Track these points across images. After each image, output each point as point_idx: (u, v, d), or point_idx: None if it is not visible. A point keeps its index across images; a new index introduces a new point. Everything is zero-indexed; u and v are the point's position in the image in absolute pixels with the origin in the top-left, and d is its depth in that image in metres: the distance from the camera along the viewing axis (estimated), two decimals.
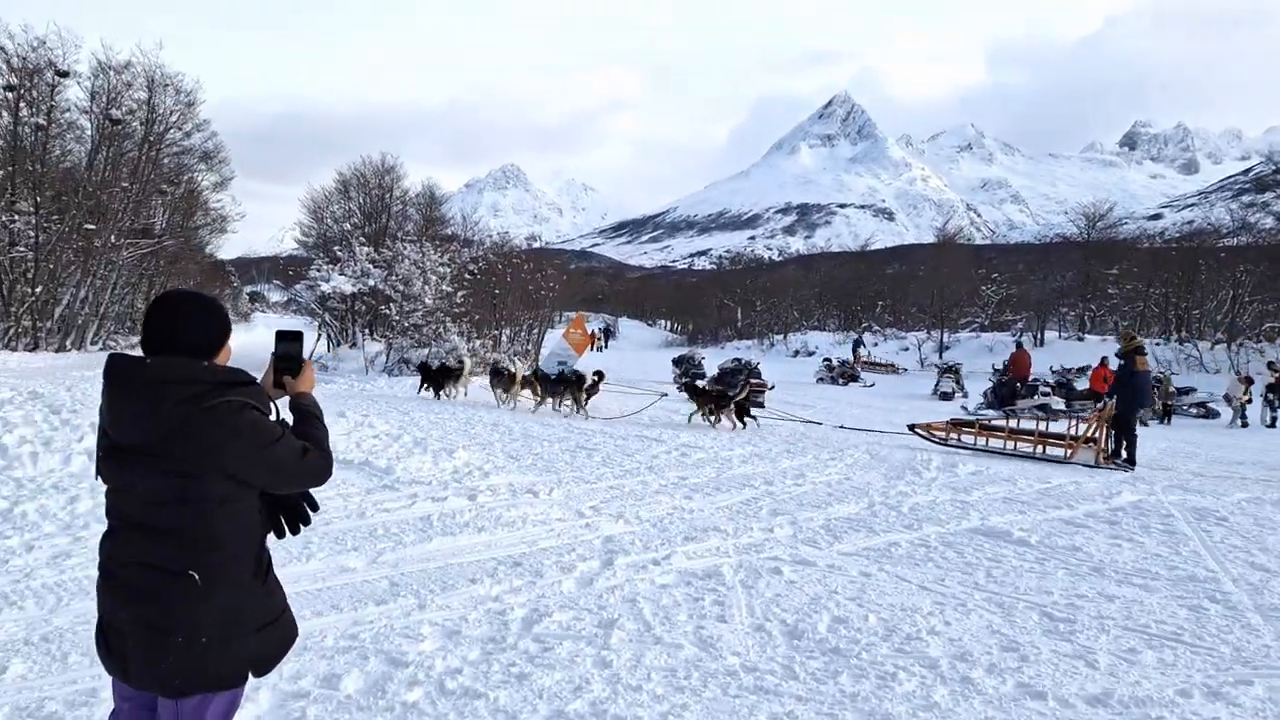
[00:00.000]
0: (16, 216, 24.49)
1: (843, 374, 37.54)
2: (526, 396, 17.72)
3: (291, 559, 5.94)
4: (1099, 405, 14.29)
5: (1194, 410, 25.08)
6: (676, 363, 34.52)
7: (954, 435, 14.57)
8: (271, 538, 2.60)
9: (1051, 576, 6.48)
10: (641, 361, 43.17)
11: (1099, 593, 6.11)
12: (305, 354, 2.75)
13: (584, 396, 17.08)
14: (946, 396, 29.48)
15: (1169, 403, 23.46)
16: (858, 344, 45.24)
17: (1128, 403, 13.39)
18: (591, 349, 59.55)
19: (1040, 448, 13.69)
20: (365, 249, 26.17)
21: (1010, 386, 23.98)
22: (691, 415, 16.27)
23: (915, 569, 6.56)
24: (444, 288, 25.45)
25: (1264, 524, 8.57)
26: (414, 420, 13.36)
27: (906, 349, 50.45)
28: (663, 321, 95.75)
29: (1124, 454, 13.17)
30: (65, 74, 26.38)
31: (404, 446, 10.42)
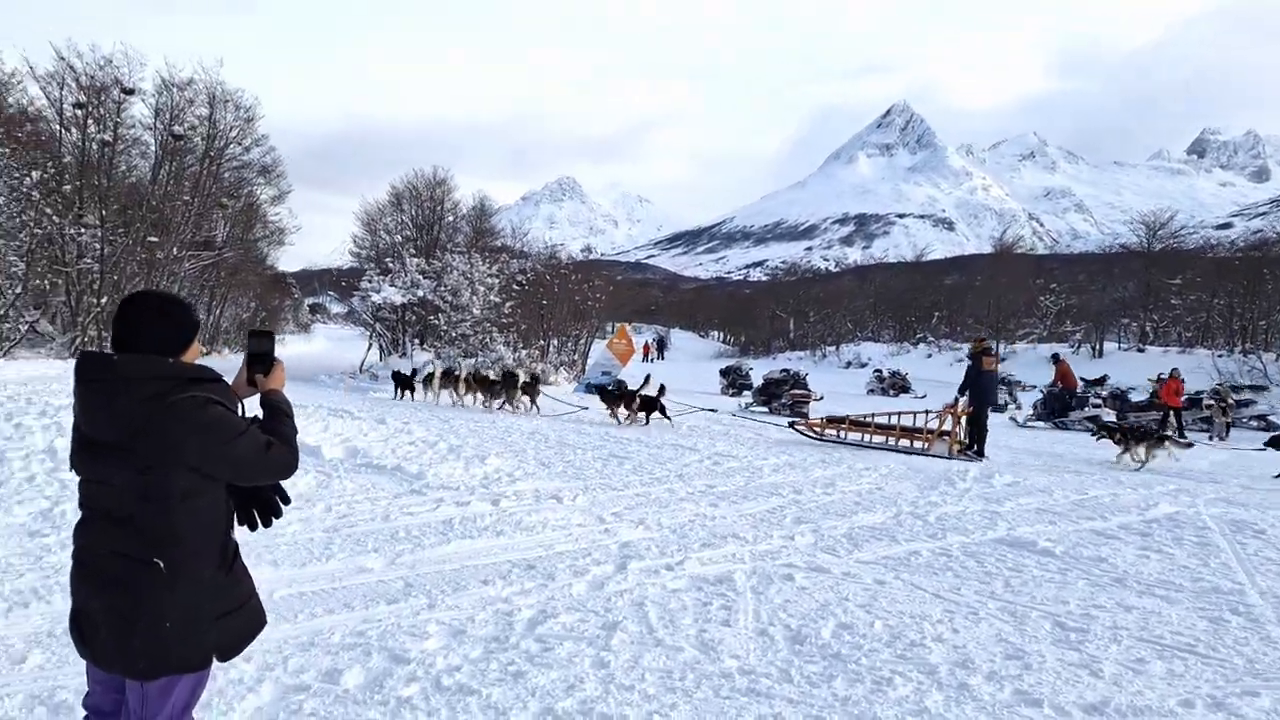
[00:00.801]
0: (84, 230, 25.39)
1: (893, 385, 37.23)
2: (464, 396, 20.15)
3: (312, 559, 6.12)
4: (951, 403, 15.10)
5: (1255, 423, 24.37)
6: (724, 373, 34.64)
7: (830, 430, 15.81)
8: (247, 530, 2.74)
9: (1071, 587, 6.39)
10: (693, 372, 43.17)
11: (1117, 603, 6.02)
12: (276, 353, 2.87)
13: (517, 394, 19.13)
14: (999, 409, 29.04)
15: (1227, 416, 22.81)
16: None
17: (977, 400, 14.59)
18: (645, 359, 60.04)
19: (901, 441, 15.03)
20: (415, 260, 26.64)
21: (1061, 398, 23.50)
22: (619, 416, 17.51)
23: (932, 578, 6.52)
24: (492, 298, 25.81)
25: None
26: (453, 428, 13.59)
27: (962, 360, 49.76)
28: (715, 333, 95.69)
29: (975, 446, 14.47)
30: (131, 91, 27.33)
31: (438, 453, 10.62)
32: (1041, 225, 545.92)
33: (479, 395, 19.74)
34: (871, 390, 37.83)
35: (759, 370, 33.88)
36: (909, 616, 5.56)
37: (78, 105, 26.67)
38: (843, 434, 15.64)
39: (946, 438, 14.38)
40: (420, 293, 25.41)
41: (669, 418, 17.36)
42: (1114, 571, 6.84)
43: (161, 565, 2.40)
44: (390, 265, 26.83)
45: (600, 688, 4.26)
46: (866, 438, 15.37)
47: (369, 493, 8.37)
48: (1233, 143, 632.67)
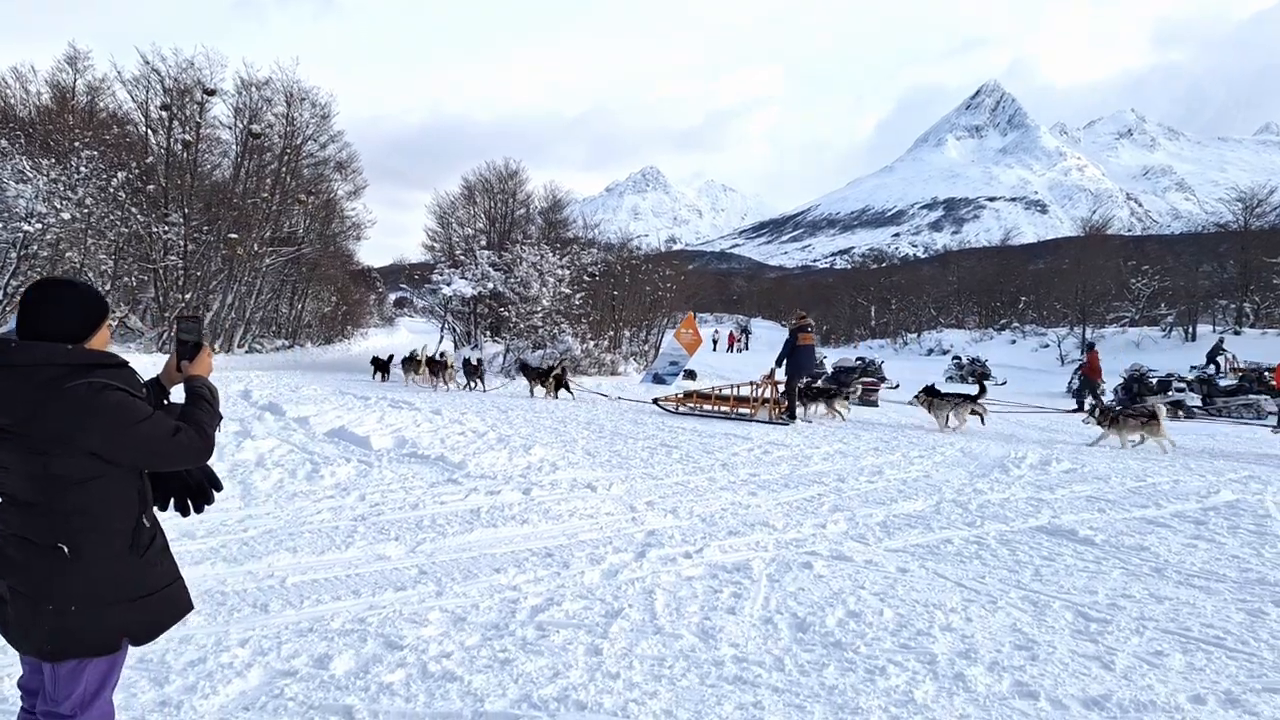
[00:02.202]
0: (169, 228, 26.47)
1: (973, 372, 36.32)
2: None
3: (332, 546, 6.28)
4: (768, 374, 17.04)
5: None
6: None
7: (684, 405, 17.47)
8: (160, 514, 2.80)
9: (1104, 576, 6.16)
10: (767, 360, 42.85)
11: (1150, 594, 5.77)
12: (203, 338, 2.94)
13: (447, 373, 22.10)
14: (1080, 394, 28.16)
15: None
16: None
17: (791, 370, 16.31)
18: (731, 349, 59.74)
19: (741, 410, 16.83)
20: (486, 253, 27.02)
21: (1089, 385, 23.54)
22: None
23: (958, 566, 6.35)
24: (562, 290, 26.01)
25: None
26: (509, 419, 13.76)
27: (1047, 346, 48.28)
28: None
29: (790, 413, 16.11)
30: (212, 92, 28.40)
31: (486, 443, 10.77)
32: (1140, 205, 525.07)
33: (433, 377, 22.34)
34: (950, 378, 36.97)
35: (838, 359, 33.44)
36: (922, 605, 5.43)
37: (163, 107, 27.80)
38: (696, 407, 17.34)
39: (768, 405, 16.52)
40: (491, 285, 25.78)
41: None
42: (1154, 561, 6.56)
43: (65, 549, 2.44)
44: (461, 258, 27.30)
45: (585, 675, 4.27)
46: (713, 408, 17.22)
47: (406, 482, 8.54)
48: None
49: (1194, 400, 22.51)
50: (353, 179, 35.20)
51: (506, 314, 25.75)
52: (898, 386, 27.47)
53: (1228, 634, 5.03)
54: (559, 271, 25.80)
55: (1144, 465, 11.48)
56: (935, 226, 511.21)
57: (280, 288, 34.79)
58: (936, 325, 66.05)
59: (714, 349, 59.05)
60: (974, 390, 17.00)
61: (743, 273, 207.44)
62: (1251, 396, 23.59)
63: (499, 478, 8.91)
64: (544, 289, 24.97)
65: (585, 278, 27.07)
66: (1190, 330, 44.33)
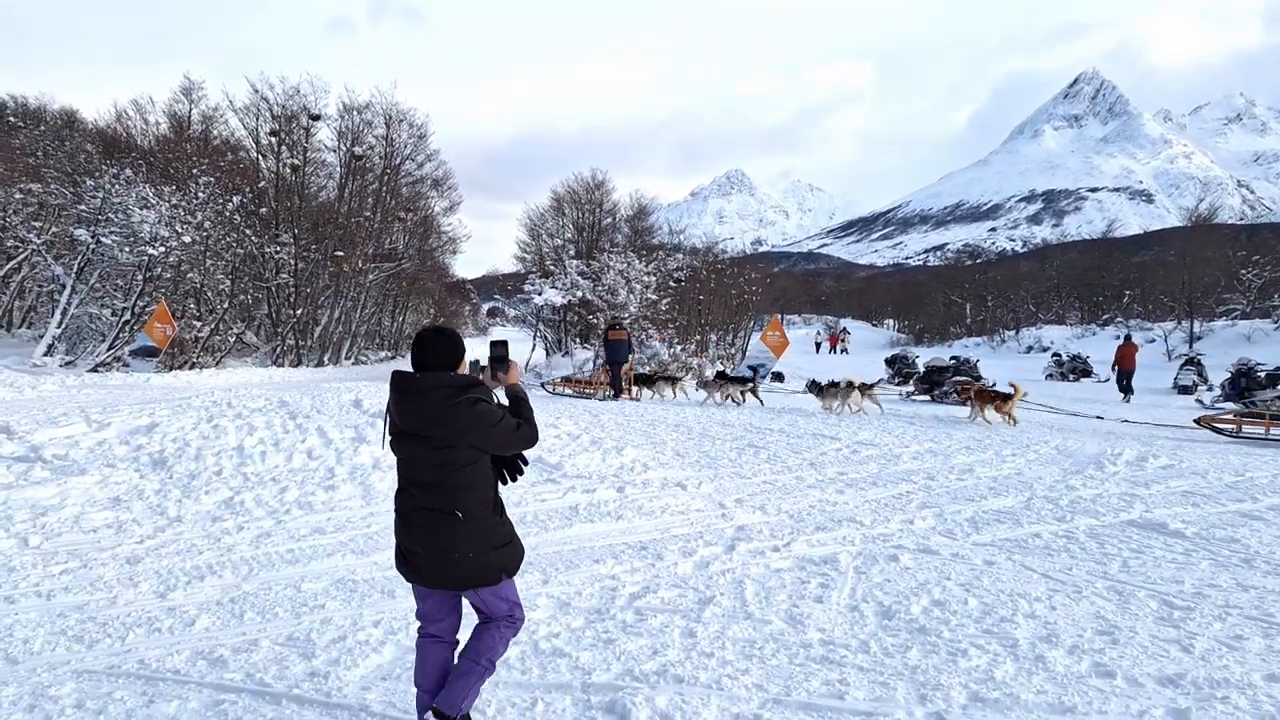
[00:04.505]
0: (280, 248, 27.85)
1: (1073, 369, 35.47)
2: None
3: None
4: (601, 363, 22.37)
5: None
6: (889, 362, 34.00)
7: (558, 387, 22.90)
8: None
9: (1192, 567, 6.23)
10: (864, 363, 42.51)
11: (1237, 583, 5.84)
12: (512, 357, 3.92)
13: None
14: (1186, 390, 27.33)
15: None
16: None
17: (611, 361, 21.01)
18: (833, 351, 59.45)
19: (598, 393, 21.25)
20: (575, 262, 27.66)
21: (1124, 377, 24.62)
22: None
23: (1046, 559, 6.49)
24: (649, 296, 26.46)
25: None
26: (600, 423, 14.20)
27: (1153, 340, 46.67)
28: (889, 321, 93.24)
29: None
30: (317, 117, 29.76)
31: (580, 445, 11.21)
32: (1252, 192, 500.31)
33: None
34: (1050, 375, 36.14)
35: (931, 358, 33.09)
36: (1007, 595, 5.61)
37: (272, 133, 29.26)
38: (563, 389, 22.37)
39: (608, 386, 21.05)
40: (580, 293, 26.39)
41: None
42: (1244, 552, 6.59)
43: (460, 515, 3.48)
44: (551, 268, 28.00)
45: (681, 654, 4.62)
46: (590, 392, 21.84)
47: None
48: None
49: None
50: (448, 195, 36.41)
51: (595, 321, 26.31)
52: (995, 384, 27.04)
53: None
54: (645, 278, 26.26)
55: (1244, 461, 11.27)
56: (1034, 220, 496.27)
57: (382, 301, 36.14)
58: (1036, 322, 64.41)
59: (817, 352, 58.83)
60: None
61: (831, 273, 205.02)
62: None
63: (594, 477, 9.33)
64: (631, 296, 25.46)
65: (671, 283, 27.46)
66: None
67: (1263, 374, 22.83)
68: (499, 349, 3.84)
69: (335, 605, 5.38)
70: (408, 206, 34.12)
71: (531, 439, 3.63)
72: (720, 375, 20.26)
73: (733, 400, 19.29)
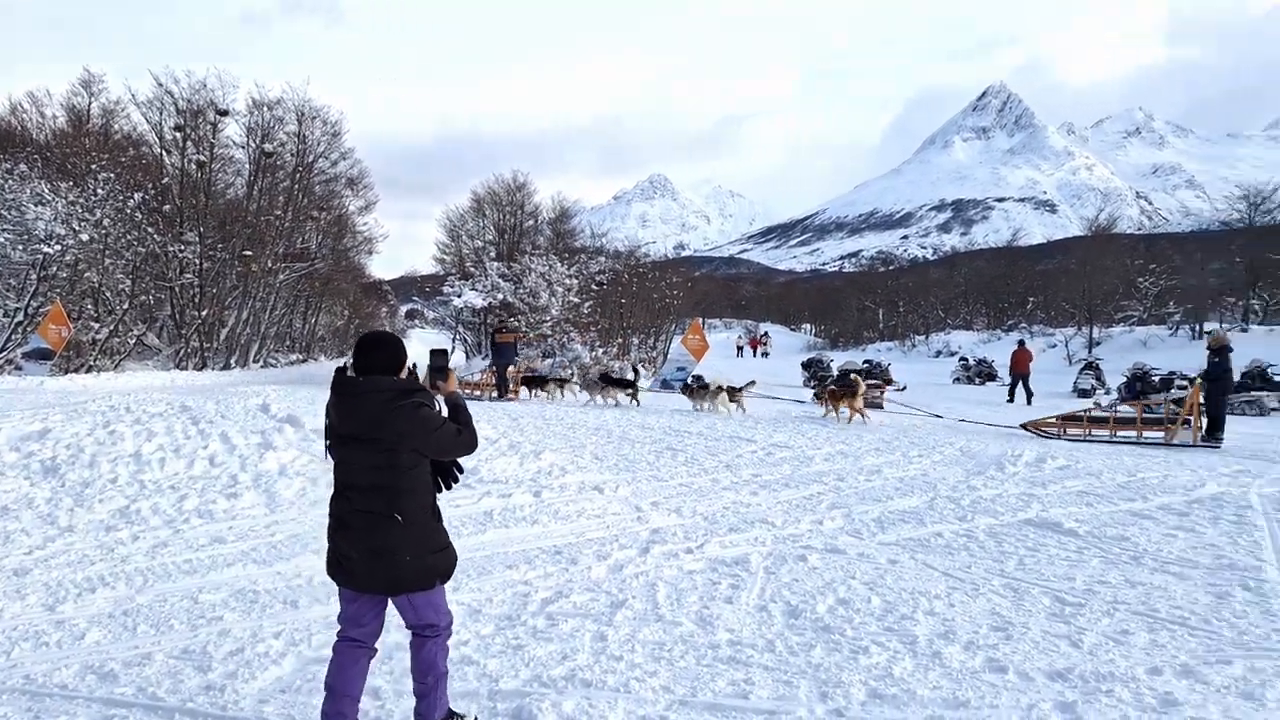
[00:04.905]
0: (184, 246, 26.98)
1: (979, 373, 36.62)
2: None
3: None
4: (489, 365, 23.15)
5: None
6: (805, 366, 34.68)
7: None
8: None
9: (1084, 565, 6.49)
10: (782, 366, 43.17)
11: (1125, 579, 6.11)
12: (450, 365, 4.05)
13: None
14: (1085, 393, 28.44)
15: None
16: None
17: (495, 362, 22.06)
18: (755, 354, 60.23)
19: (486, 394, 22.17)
20: (495, 264, 27.48)
21: (1018, 380, 25.63)
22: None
23: (947, 557, 6.69)
24: (571, 299, 26.43)
25: None
26: (520, 426, 14.13)
27: (1055, 346, 48.44)
28: (807, 326, 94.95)
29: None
30: (225, 112, 28.94)
31: (498, 449, 11.14)
32: (1150, 204, 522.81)
33: None
34: (957, 379, 37.26)
35: (844, 361, 33.78)
36: (909, 593, 5.78)
37: (177, 128, 28.36)
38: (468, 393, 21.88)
39: (494, 387, 21.74)
40: (500, 295, 26.22)
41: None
42: (1133, 550, 6.90)
43: (400, 518, 3.51)
44: (471, 270, 27.75)
45: (591, 658, 4.64)
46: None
47: None
48: None
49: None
50: (364, 194, 35.72)
51: (516, 324, 26.18)
52: (904, 388, 27.75)
53: (1192, 614, 5.37)
54: (567, 281, 26.23)
55: (1137, 462, 11.77)
56: (944, 228, 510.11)
57: (294, 303, 35.30)
58: (945, 327, 66.30)
59: (739, 355, 59.58)
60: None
61: (751, 278, 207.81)
62: (1255, 394, 23.81)
63: (510, 482, 9.29)
64: (553, 298, 25.41)
65: (593, 286, 27.48)
66: (1197, 328, 44.45)
67: (1156, 378, 23.92)
68: (439, 359, 4.13)
69: (234, 617, 5.25)
70: (321, 205, 33.40)
71: (472, 444, 3.71)
72: (603, 377, 20.80)
73: (614, 401, 19.77)
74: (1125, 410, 16.57)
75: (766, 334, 69.96)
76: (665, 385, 23.05)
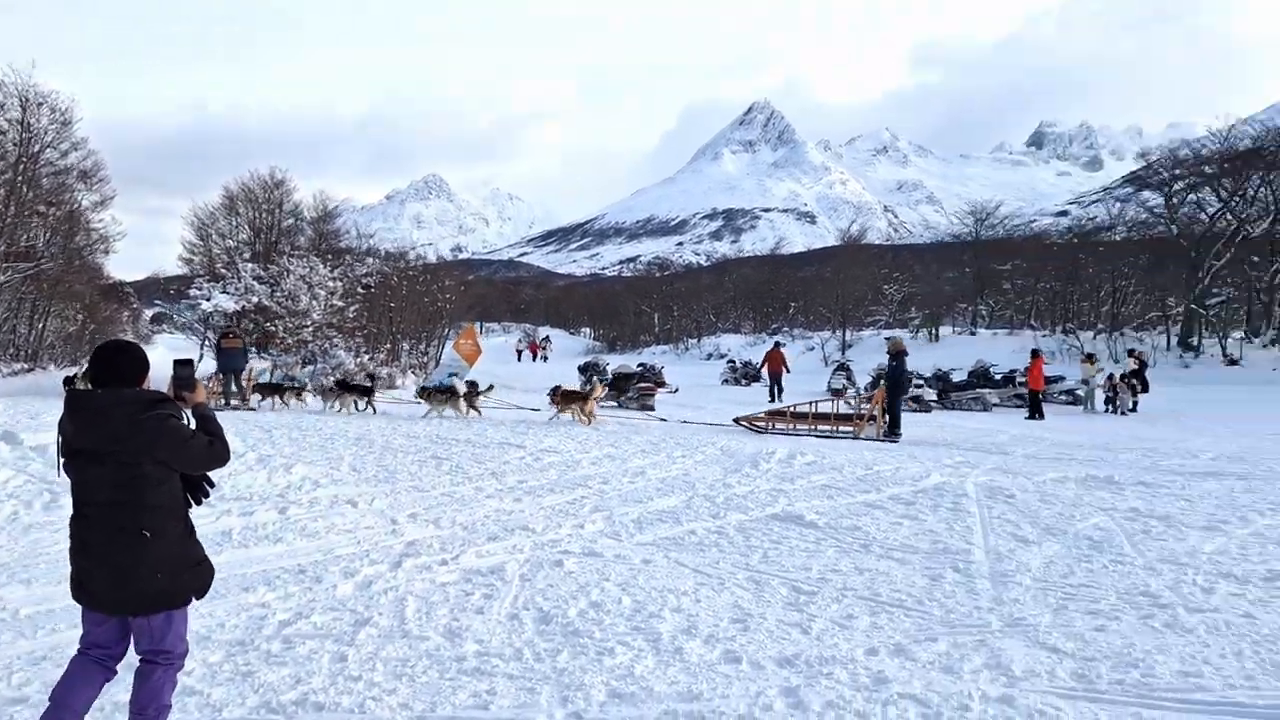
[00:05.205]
0: None
1: (745, 374, 38.37)
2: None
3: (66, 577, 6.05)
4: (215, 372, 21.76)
5: (1065, 398, 26.27)
6: (582, 370, 35.01)
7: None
8: None
9: (820, 554, 6.92)
10: (562, 370, 43.36)
11: (855, 567, 6.56)
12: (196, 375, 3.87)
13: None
14: (837, 392, 30.40)
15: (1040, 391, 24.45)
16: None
17: (221, 368, 20.78)
18: (535, 359, 59.92)
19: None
20: (250, 265, 25.92)
21: (772, 380, 27.90)
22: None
23: (698, 554, 6.94)
24: (334, 303, 25.36)
25: (1047, 499, 9.18)
26: (272, 438, 13.41)
27: (813, 348, 51.60)
28: (586, 330, 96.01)
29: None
30: None
31: (244, 463, 10.51)
32: (896, 217, 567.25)
33: None
34: (726, 380, 38.82)
35: (618, 365, 34.38)
36: (659, 591, 5.93)
37: None
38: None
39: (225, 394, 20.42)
40: (255, 299, 24.75)
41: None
42: (864, 538, 7.43)
43: (148, 534, 3.32)
44: (223, 271, 26.04)
45: (327, 680, 4.43)
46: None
47: None
48: (1068, 134, 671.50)
49: (931, 395, 24.88)
50: (99, 189, 32.50)
51: (274, 328, 24.81)
52: (677, 390, 28.65)
53: (909, 596, 5.85)
54: (330, 283, 25.15)
55: (875, 456, 12.73)
56: (716, 236, 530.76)
57: (18, 307, 31.62)
58: (715, 331, 69.02)
59: (518, 360, 59.22)
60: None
61: (531, 281, 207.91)
62: (979, 391, 26.38)
63: (255, 498, 8.76)
64: (314, 302, 24.28)
65: (359, 289, 26.51)
66: (934, 332, 48.69)
67: (772, 379, 25.96)
68: (184, 369, 3.82)
69: None
70: (49, 200, 30.17)
71: (224, 457, 3.58)
72: (339, 383, 20.45)
73: (351, 408, 19.48)
74: (826, 408, 18.10)
75: (547, 338, 70.13)
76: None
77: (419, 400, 19.31)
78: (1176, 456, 13.41)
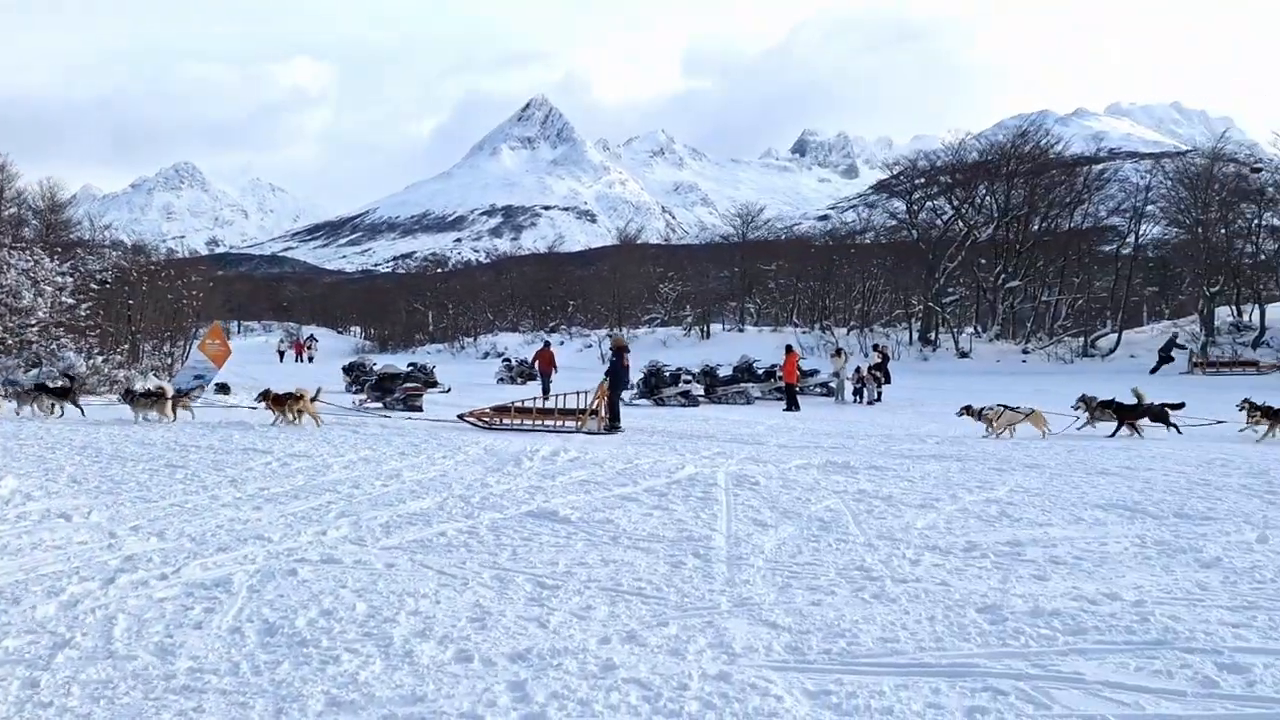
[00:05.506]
0: None
1: (521, 373, 38.34)
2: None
3: None
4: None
5: (819, 390, 28.05)
6: (347, 370, 33.80)
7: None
8: None
9: (569, 549, 7.00)
10: (328, 371, 41.54)
11: (602, 559, 6.68)
12: None
13: None
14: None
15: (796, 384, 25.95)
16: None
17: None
18: (299, 359, 56.84)
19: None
20: None
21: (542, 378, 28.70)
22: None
23: (445, 555, 6.82)
24: (64, 300, 23.09)
25: (789, 485, 9.76)
26: None
27: (590, 346, 52.32)
28: (356, 328, 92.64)
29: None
30: None
31: None
32: (674, 218, 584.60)
33: None
34: (501, 379, 38.63)
35: (384, 364, 33.38)
36: (397, 595, 5.78)
37: None
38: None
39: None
40: None
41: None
42: (615, 531, 7.59)
43: None
44: None
45: (13, 709, 4.01)
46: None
47: None
48: (827, 143, 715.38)
49: (698, 390, 25.85)
50: None
51: None
52: (449, 390, 28.16)
53: (649, 584, 6.02)
54: (59, 279, 22.88)
55: (637, 450, 13.05)
56: (495, 232, 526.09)
57: None
58: (493, 329, 68.58)
59: (280, 360, 56.24)
60: None
61: (296, 277, 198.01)
62: (743, 385, 27.66)
63: None
64: (40, 299, 21.99)
65: (93, 286, 24.27)
66: (705, 329, 50.64)
67: (667, 374, 26.76)
68: None
69: None
70: None
71: None
72: (38, 386, 18.80)
73: (49, 412, 17.98)
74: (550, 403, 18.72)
75: (312, 337, 67.07)
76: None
77: (123, 403, 17.73)
78: (908, 442, 14.62)
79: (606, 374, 17.45)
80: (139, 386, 18.28)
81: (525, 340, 59.11)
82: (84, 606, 5.53)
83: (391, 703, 4.09)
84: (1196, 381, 33.26)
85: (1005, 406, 15.87)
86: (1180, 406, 16.21)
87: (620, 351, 17.62)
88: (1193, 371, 36.01)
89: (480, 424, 17.15)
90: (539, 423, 17.32)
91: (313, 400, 16.86)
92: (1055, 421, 16.23)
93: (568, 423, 17.18)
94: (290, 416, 16.58)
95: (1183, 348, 37.57)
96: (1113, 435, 15.75)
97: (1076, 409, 16.88)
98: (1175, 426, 15.78)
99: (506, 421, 17.28)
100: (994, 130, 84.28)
